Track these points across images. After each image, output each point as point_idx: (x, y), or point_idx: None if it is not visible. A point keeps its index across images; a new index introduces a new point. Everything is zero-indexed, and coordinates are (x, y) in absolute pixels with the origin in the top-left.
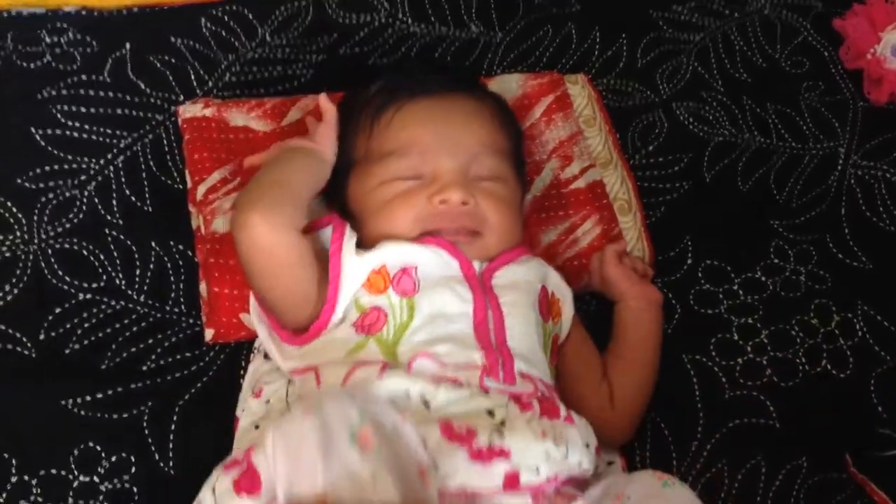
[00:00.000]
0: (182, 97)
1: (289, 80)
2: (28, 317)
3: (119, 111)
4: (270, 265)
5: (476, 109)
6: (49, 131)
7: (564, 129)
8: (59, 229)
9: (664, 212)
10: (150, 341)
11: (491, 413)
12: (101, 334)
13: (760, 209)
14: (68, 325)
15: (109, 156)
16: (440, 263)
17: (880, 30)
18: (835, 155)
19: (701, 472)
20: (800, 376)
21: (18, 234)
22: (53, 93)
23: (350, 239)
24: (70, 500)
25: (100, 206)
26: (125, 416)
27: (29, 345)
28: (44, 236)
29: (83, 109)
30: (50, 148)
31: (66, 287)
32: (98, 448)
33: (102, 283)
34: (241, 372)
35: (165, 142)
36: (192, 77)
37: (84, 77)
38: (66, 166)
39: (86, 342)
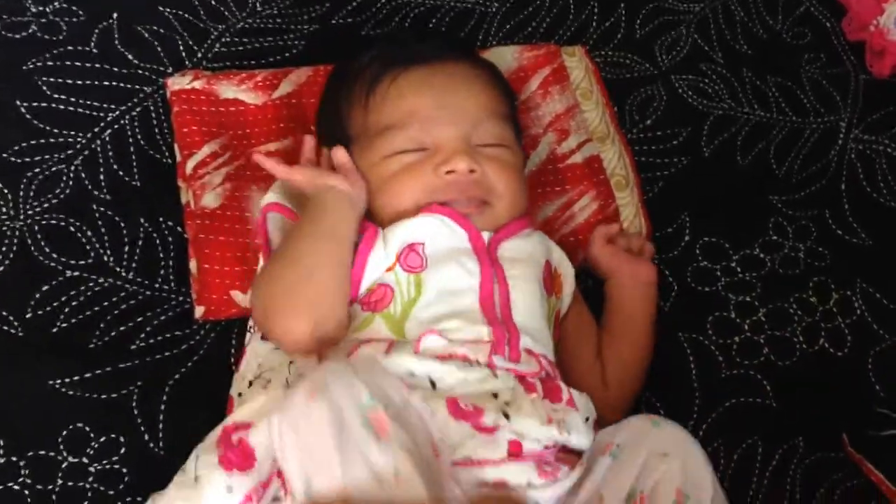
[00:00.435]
0: (171, 69)
1: (280, 50)
2: (14, 295)
3: (106, 83)
4: None
5: (474, 74)
6: (35, 104)
7: (561, 102)
8: (46, 205)
9: (662, 187)
10: (139, 319)
11: (496, 396)
12: (89, 312)
13: (759, 184)
14: (56, 303)
15: (97, 129)
16: (448, 235)
17: (884, 1)
18: (835, 129)
19: None
20: (797, 355)
21: (4, 209)
22: (39, 64)
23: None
24: (59, 481)
25: (87, 181)
26: (114, 395)
27: (16, 323)
28: (30, 212)
29: (69, 81)
30: (35, 121)
31: (53, 264)
32: (87, 428)
33: (90, 260)
34: (232, 350)
35: (154, 114)
36: (181, 48)
37: (70, 48)
38: (52, 140)
39: (73, 320)
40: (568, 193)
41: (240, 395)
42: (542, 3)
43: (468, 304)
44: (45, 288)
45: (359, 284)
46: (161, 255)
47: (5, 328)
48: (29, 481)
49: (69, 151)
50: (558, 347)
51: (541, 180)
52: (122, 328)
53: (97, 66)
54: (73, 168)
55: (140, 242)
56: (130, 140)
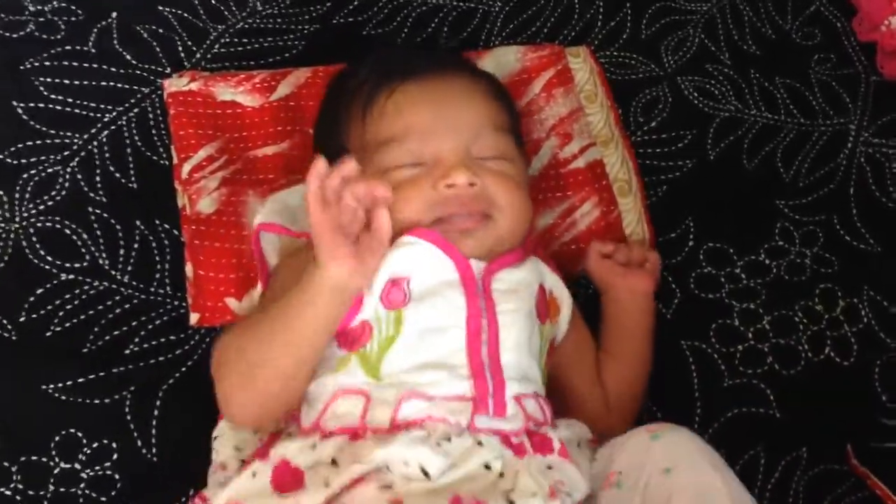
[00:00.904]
0: (169, 69)
1: (280, 51)
2: (8, 297)
3: (104, 83)
4: None
5: (471, 87)
6: (31, 104)
7: (565, 105)
8: (41, 207)
9: (666, 191)
10: (134, 324)
11: (488, 467)
12: (83, 316)
13: (766, 189)
14: (50, 307)
15: (93, 130)
16: (434, 266)
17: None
18: (845, 132)
19: None
20: (802, 364)
21: None
22: (36, 64)
23: None
24: (51, 487)
25: (83, 183)
26: (107, 401)
27: (9, 327)
28: (25, 214)
29: (67, 82)
30: (32, 121)
31: (47, 267)
32: (79, 434)
33: (85, 263)
34: None
35: (151, 116)
36: (180, 48)
37: (68, 47)
38: (48, 141)
39: (68, 324)
40: (570, 199)
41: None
42: (546, 2)
43: (453, 344)
44: (39, 291)
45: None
46: (157, 259)
47: None
48: (21, 486)
49: (66, 153)
50: (558, 371)
51: (542, 186)
52: (116, 332)
53: (95, 66)
54: (69, 170)
55: (136, 246)
56: (127, 141)
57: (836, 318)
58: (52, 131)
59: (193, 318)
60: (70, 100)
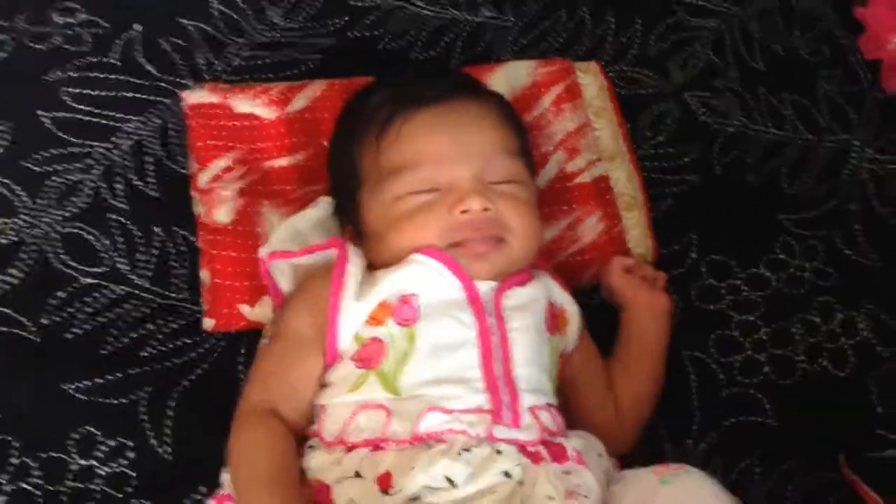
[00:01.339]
0: (190, 81)
1: (297, 64)
2: (31, 300)
3: (127, 94)
4: None
5: (483, 112)
6: (56, 114)
7: (573, 120)
8: (65, 213)
9: (671, 204)
10: (151, 327)
11: (508, 474)
12: (102, 319)
13: (769, 203)
14: (71, 310)
15: (116, 139)
16: (441, 286)
17: None
18: (849, 148)
19: None
20: (798, 375)
21: (24, 217)
22: (62, 75)
23: (351, 282)
24: (68, 483)
25: (104, 191)
26: (124, 401)
27: (32, 328)
28: (48, 220)
29: (91, 92)
30: (57, 131)
31: (69, 271)
32: (97, 433)
33: (106, 268)
34: (240, 360)
35: (172, 126)
36: (201, 61)
37: (93, 59)
38: (72, 150)
39: (87, 327)
40: (575, 213)
41: None
42: (558, 18)
43: (466, 361)
44: (61, 294)
45: (334, 343)
46: (175, 265)
47: (22, 333)
48: (40, 482)
49: (88, 161)
50: (567, 384)
51: (548, 199)
52: (133, 335)
53: (118, 77)
54: (91, 177)
55: (154, 252)
56: (148, 151)
57: (832, 331)
58: (76, 140)
59: (208, 323)
60: (94, 110)
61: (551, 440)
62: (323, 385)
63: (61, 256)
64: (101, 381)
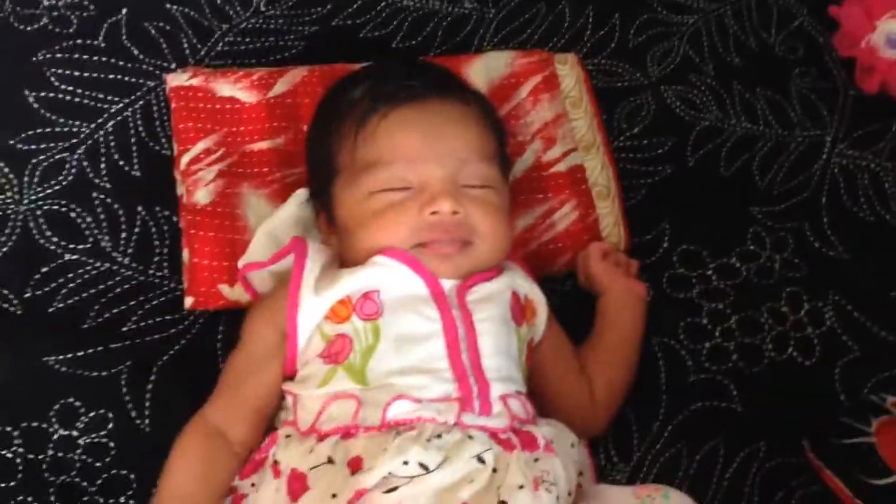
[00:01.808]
0: (174, 65)
1: (280, 50)
2: (15, 274)
3: (112, 76)
4: None
5: (462, 114)
6: (42, 94)
7: (550, 110)
8: (49, 190)
9: (644, 194)
10: (132, 303)
11: (481, 459)
12: (84, 294)
13: (741, 195)
14: (53, 285)
15: (100, 120)
16: (404, 283)
17: (876, 18)
18: (821, 143)
19: (660, 452)
20: (765, 362)
21: (9, 194)
22: (49, 56)
23: (309, 277)
24: (49, 451)
25: (89, 170)
26: (104, 374)
27: (15, 301)
28: (33, 197)
29: (76, 73)
30: (42, 111)
31: (53, 247)
32: (77, 403)
33: (88, 245)
34: (219, 337)
35: (155, 108)
36: (185, 45)
37: (79, 41)
38: (57, 129)
39: (70, 301)
40: (550, 202)
41: None
42: (538, 10)
43: (433, 352)
44: (44, 269)
45: (294, 339)
46: (156, 243)
47: (5, 306)
48: (21, 450)
49: (73, 140)
50: (537, 372)
51: (524, 188)
52: (115, 311)
53: (104, 59)
54: (76, 156)
55: (136, 230)
56: (132, 132)
57: (800, 320)
58: (62, 120)
59: (188, 301)
60: (79, 91)
61: (521, 428)
62: (294, 379)
63: (45, 232)
64: (82, 354)
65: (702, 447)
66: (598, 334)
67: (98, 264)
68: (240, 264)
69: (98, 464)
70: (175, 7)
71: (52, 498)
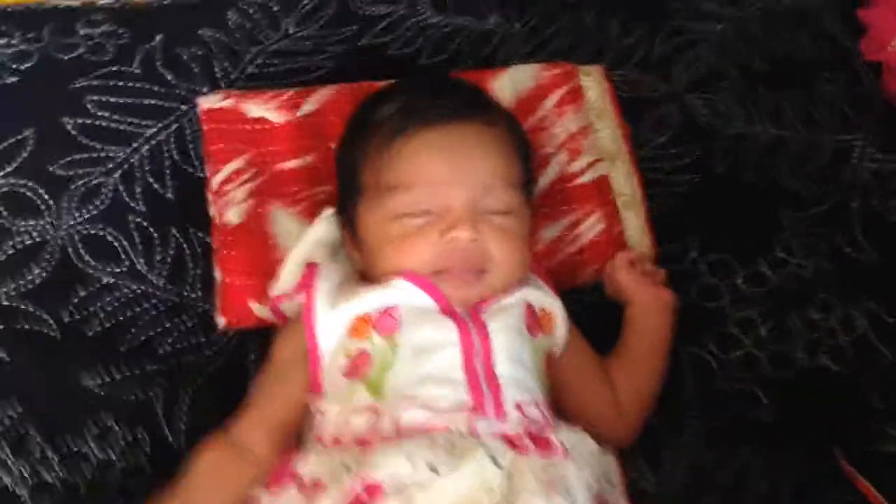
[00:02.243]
0: (206, 88)
1: (310, 71)
2: (54, 298)
3: (146, 101)
4: None
5: (489, 138)
6: (79, 120)
7: (575, 121)
8: (86, 215)
9: (672, 204)
10: (168, 325)
11: (496, 462)
12: (121, 317)
13: (769, 202)
14: (91, 308)
15: (135, 144)
16: (420, 302)
17: None
18: (849, 147)
19: (691, 461)
20: (797, 370)
21: (48, 218)
22: (85, 83)
23: (321, 295)
24: (87, 475)
25: (124, 193)
26: (141, 396)
27: (54, 326)
28: (71, 221)
29: (112, 100)
30: (80, 137)
31: (90, 271)
32: (115, 426)
33: (125, 268)
34: (252, 357)
35: (188, 131)
36: (217, 69)
37: (115, 68)
38: (94, 154)
39: (107, 324)
40: (575, 213)
41: None
42: (563, 23)
43: (448, 361)
44: (82, 293)
45: (316, 354)
46: (190, 265)
47: (45, 330)
48: (61, 475)
49: (109, 165)
50: (561, 383)
51: (549, 199)
52: (151, 333)
53: (139, 85)
54: (112, 181)
55: (171, 252)
56: (166, 155)
57: (831, 327)
58: (98, 145)
59: (220, 321)
60: (115, 116)
61: (538, 434)
62: (320, 395)
63: (82, 256)
64: (119, 376)
65: (733, 457)
66: (625, 343)
67: (134, 287)
68: (271, 294)
69: (135, 485)
70: (207, 32)
71: None
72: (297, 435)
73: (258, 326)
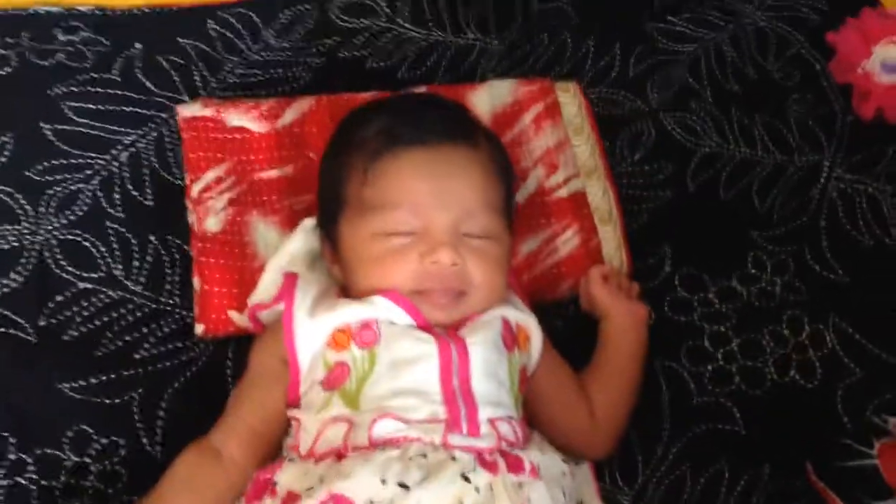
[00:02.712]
0: (185, 96)
1: (289, 81)
2: (30, 303)
3: (125, 108)
4: None
5: (473, 161)
6: (58, 126)
7: (552, 136)
8: (64, 221)
9: (646, 219)
10: (144, 330)
11: (466, 478)
12: (98, 322)
13: (741, 219)
14: (68, 313)
15: (114, 151)
16: (399, 319)
17: (873, 44)
18: (819, 167)
19: (664, 475)
20: (768, 385)
21: (25, 224)
22: (64, 90)
23: (301, 305)
24: (62, 478)
25: (103, 200)
26: (117, 401)
27: (30, 330)
28: (49, 227)
29: (91, 106)
30: (58, 143)
31: (67, 276)
32: (90, 430)
33: (102, 274)
34: (229, 363)
35: (167, 139)
36: (196, 77)
37: (94, 75)
38: (72, 161)
39: (84, 329)
40: (552, 227)
41: None
42: (540, 41)
43: (425, 374)
44: (58, 298)
45: (296, 362)
46: (168, 271)
47: (20, 334)
48: (35, 477)
49: (88, 172)
50: (535, 398)
51: (527, 213)
52: (127, 338)
53: (118, 92)
54: (90, 187)
55: (149, 259)
56: (145, 162)
57: (801, 343)
58: (77, 152)
59: (199, 328)
60: (94, 123)
61: (509, 451)
62: (297, 406)
63: (60, 262)
64: (95, 381)
65: (706, 470)
66: (600, 357)
67: (111, 292)
68: (249, 303)
69: (110, 490)
70: (186, 41)
71: None
72: (277, 445)
73: (235, 334)
